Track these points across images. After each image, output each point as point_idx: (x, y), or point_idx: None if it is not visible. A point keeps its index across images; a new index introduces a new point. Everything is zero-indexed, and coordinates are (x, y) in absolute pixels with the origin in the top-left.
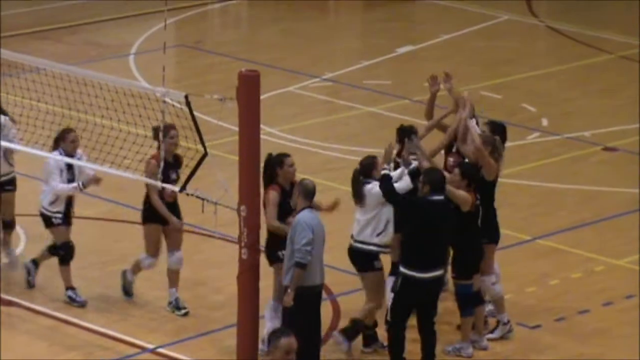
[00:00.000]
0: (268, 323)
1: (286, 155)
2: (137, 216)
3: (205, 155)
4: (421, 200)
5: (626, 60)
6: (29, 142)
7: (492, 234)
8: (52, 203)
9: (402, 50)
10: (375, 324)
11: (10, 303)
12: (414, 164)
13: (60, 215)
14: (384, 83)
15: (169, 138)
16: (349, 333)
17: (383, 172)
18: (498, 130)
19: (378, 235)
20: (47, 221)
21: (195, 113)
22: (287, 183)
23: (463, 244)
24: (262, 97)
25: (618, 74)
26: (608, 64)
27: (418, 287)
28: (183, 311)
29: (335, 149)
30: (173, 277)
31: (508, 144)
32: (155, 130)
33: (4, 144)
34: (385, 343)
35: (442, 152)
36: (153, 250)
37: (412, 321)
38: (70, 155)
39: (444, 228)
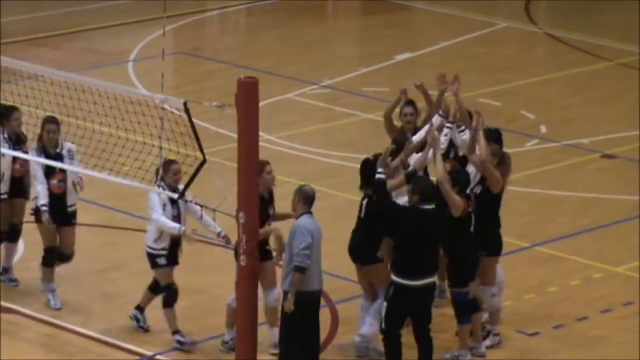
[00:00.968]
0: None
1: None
2: (136, 223)
3: (204, 162)
4: (411, 209)
5: (625, 68)
6: (29, 149)
7: (494, 246)
8: (156, 240)
9: (400, 57)
10: None
11: (9, 310)
12: (412, 167)
13: (165, 253)
14: (383, 90)
15: (265, 174)
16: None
17: (377, 176)
18: (493, 136)
19: None
20: (152, 261)
21: (194, 120)
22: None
23: (456, 252)
24: (260, 104)
25: (617, 81)
26: (607, 71)
27: (410, 295)
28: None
29: (333, 156)
30: (271, 314)
31: (506, 150)
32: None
33: (73, 169)
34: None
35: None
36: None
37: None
38: (173, 189)
39: (435, 236)
